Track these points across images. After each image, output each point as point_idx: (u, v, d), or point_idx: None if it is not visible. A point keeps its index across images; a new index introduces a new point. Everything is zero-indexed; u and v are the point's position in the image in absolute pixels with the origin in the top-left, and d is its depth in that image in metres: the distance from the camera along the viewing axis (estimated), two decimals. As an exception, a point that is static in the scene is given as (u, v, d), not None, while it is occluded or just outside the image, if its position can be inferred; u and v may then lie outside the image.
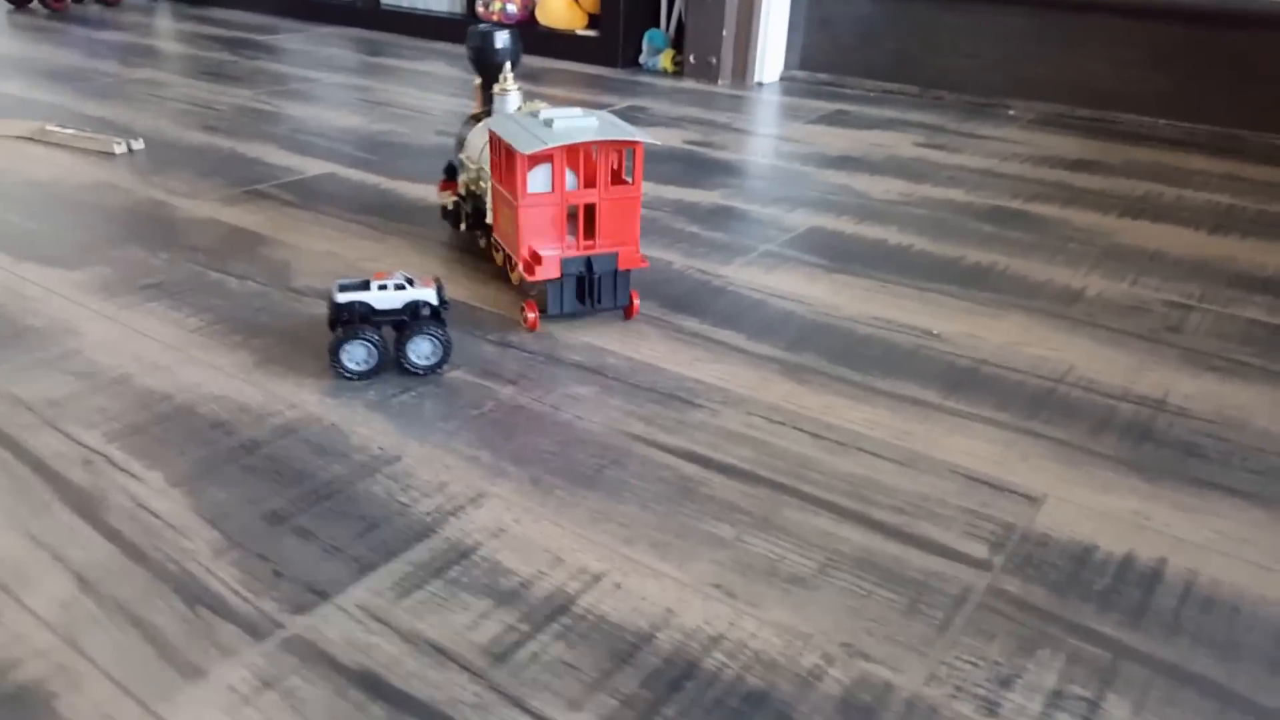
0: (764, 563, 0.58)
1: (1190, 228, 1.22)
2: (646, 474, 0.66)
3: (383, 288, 0.76)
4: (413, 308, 0.76)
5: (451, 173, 1.08)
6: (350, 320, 0.75)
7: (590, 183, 0.86)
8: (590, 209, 0.87)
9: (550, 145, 0.79)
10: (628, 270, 0.89)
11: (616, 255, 0.88)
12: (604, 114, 0.89)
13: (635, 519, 0.62)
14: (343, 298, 0.75)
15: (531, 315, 0.86)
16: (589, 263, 0.87)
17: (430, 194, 1.25)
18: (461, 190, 1.03)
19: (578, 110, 0.88)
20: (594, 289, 0.88)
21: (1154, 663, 0.51)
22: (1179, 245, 1.15)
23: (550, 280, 0.86)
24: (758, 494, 0.65)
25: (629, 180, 0.89)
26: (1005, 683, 0.50)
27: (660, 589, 0.56)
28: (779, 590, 0.56)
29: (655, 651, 0.51)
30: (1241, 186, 1.41)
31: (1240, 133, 1.70)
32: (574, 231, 0.88)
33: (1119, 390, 0.80)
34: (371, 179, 1.30)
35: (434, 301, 0.77)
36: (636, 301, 0.90)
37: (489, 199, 0.94)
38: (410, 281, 0.77)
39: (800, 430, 0.72)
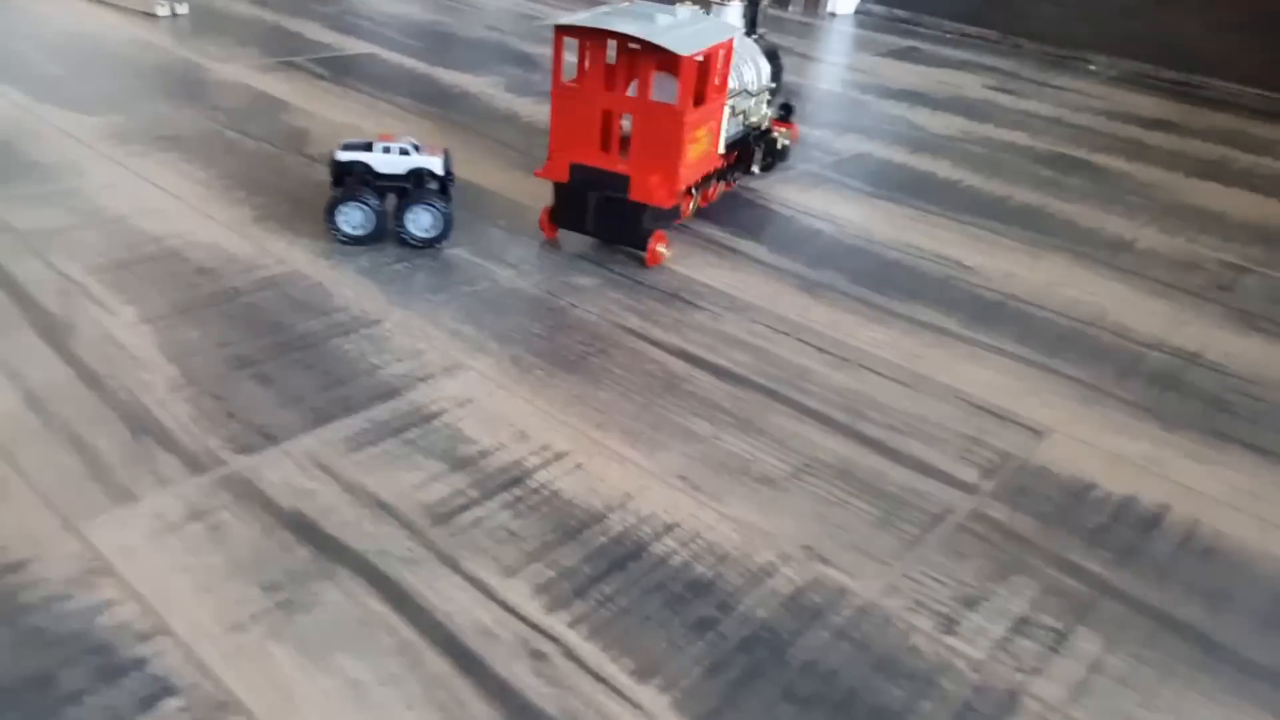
0: (738, 462, 0.55)
1: (1262, 194, 1.15)
2: (633, 366, 0.63)
3: (386, 150, 0.73)
4: (416, 175, 0.73)
5: None
6: (351, 181, 0.73)
7: (621, 87, 0.77)
8: (608, 117, 0.74)
9: (583, 23, 0.70)
10: (644, 205, 0.74)
11: (629, 180, 0.73)
12: (721, 23, 0.77)
13: (611, 405, 0.59)
14: (344, 156, 0.73)
15: (544, 218, 0.78)
16: (598, 178, 0.74)
17: (467, 81, 1.21)
18: None
19: (709, 16, 0.79)
20: (594, 211, 0.75)
21: (1136, 604, 0.48)
22: (1245, 209, 1.08)
23: (557, 183, 0.76)
24: (745, 396, 0.61)
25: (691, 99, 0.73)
26: (970, 603, 0.46)
27: (623, 473, 0.53)
28: (747, 488, 0.53)
29: (604, 531, 0.48)
30: (1326, 158, 1.32)
31: (1334, 106, 1.59)
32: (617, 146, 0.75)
33: (1153, 340, 0.75)
34: (410, 62, 1.27)
35: (439, 171, 0.74)
36: (661, 249, 0.76)
37: None
38: (416, 148, 0.74)
39: (804, 342, 0.69)
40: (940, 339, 0.71)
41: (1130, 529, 0.53)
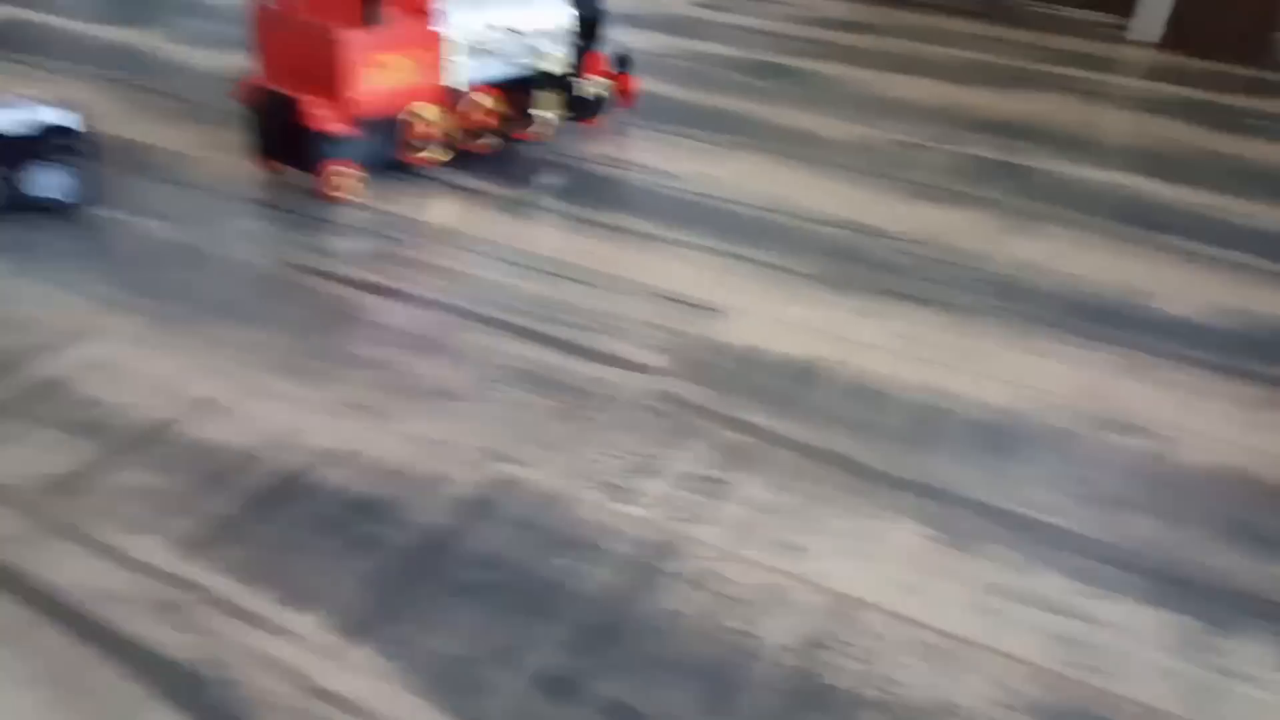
0: (419, 382, 0.53)
1: (946, 81, 1.22)
2: (308, 303, 0.60)
3: (3, 108, 0.65)
4: (43, 134, 0.66)
5: None
6: (-35, 149, 0.65)
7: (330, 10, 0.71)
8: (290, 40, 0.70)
9: None
10: (316, 131, 0.70)
11: (296, 104, 0.70)
12: None
13: (277, 345, 0.55)
14: (-48, 122, 0.64)
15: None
16: (283, 104, 0.71)
17: (130, 36, 1.12)
18: None
19: None
20: (279, 138, 0.72)
21: (794, 444, 0.49)
22: (928, 96, 1.15)
23: (258, 112, 0.73)
24: (433, 318, 0.59)
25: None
26: (639, 470, 0.47)
27: (284, 410, 0.50)
28: (427, 406, 0.51)
29: (255, 471, 0.45)
30: (1000, 47, 1.42)
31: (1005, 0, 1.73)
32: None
33: (832, 218, 0.78)
34: (62, 21, 1.16)
35: (68, 125, 0.67)
36: (340, 179, 0.72)
37: None
38: (44, 105, 0.67)
39: (502, 260, 0.67)
40: (641, 241, 0.71)
41: (794, 381, 0.55)
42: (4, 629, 0.36)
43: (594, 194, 0.79)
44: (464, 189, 0.78)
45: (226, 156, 0.81)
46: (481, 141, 0.83)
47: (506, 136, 0.86)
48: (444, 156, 0.81)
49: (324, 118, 0.70)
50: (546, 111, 0.85)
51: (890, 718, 0.35)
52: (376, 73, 0.71)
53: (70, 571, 0.39)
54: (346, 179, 0.74)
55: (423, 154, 0.78)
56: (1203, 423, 0.53)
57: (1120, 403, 0.55)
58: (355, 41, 0.69)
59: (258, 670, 0.35)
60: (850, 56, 1.31)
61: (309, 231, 0.69)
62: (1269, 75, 1.39)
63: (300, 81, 0.72)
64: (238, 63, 1.07)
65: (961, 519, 0.45)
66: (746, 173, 0.87)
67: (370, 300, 0.61)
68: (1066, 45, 1.45)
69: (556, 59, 0.84)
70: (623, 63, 0.93)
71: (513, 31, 0.81)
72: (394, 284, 0.63)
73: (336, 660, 0.36)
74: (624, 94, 0.93)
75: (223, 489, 0.44)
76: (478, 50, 0.79)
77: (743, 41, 1.36)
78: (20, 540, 0.40)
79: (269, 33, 0.72)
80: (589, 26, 0.87)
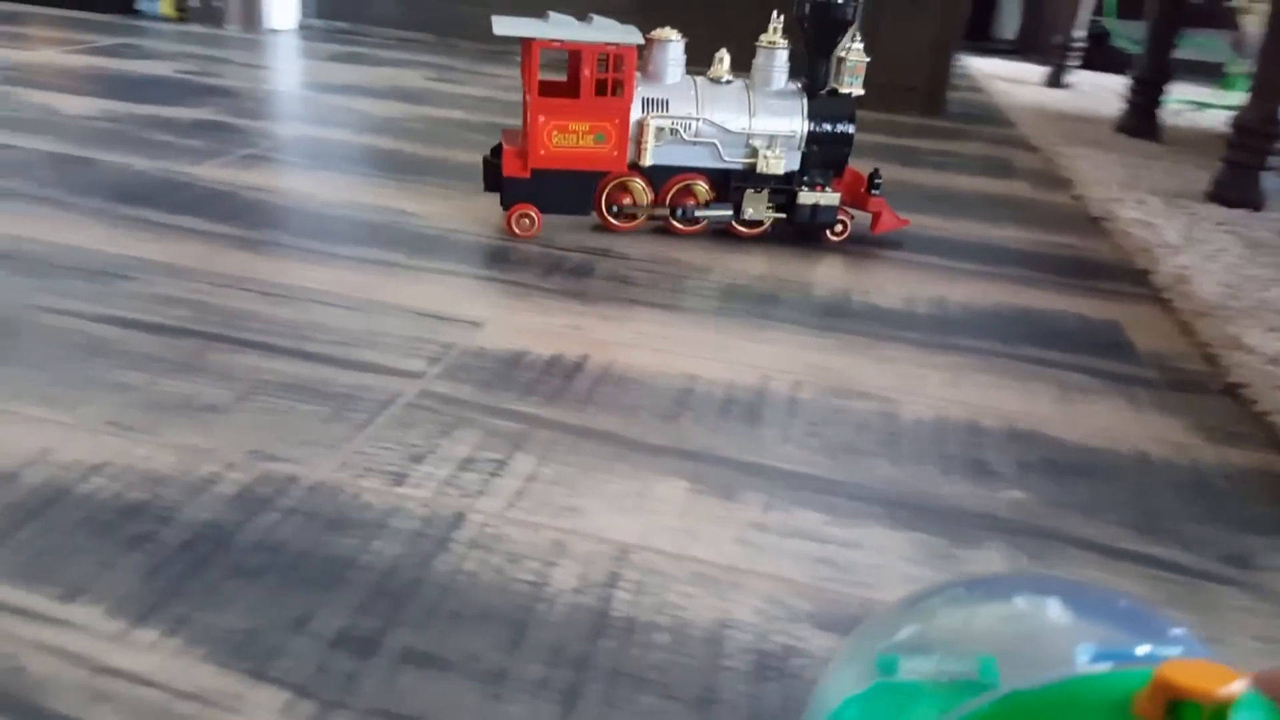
0: (176, 399, 0.53)
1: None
2: (50, 339, 0.58)
3: None
4: None
5: None
6: None
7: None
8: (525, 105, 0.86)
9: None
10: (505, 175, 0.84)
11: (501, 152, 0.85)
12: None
13: (23, 378, 0.54)
14: None
15: None
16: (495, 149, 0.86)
17: None
18: None
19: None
20: (485, 175, 0.86)
21: (563, 427, 0.54)
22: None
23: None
24: (183, 344, 0.59)
25: None
26: (417, 458, 0.49)
27: (39, 433, 0.48)
28: (187, 419, 0.51)
29: (18, 487, 0.44)
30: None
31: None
32: None
33: (571, 245, 0.84)
34: None
35: None
36: (514, 223, 0.84)
37: None
38: None
39: (246, 290, 0.68)
40: (388, 270, 0.74)
41: (557, 377, 0.59)
42: None
43: (329, 232, 0.81)
44: (175, 228, 0.78)
45: None
46: (679, 221, 0.87)
47: (697, 221, 0.87)
48: (630, 224, 0.87)
49: (512, 165, 0.82)
50: (755, 211, 0.87)
51: (678, 638, 0.39)
52: (564, 136, 0.82)
53: None
54: (525, 219, 0.84)
55: (615, 219, 0.87)
56: (921, 386, 0.62)
57: (846, 375, 0.63)
58: (546, 107, 0.80)
59: (43, 656, 0.35)
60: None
61: (41, 277, 0.67)
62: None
63: (524, 139, 0.85)
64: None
65: (720, 474, 0.51)
66: (484, 211, 0.91)
67: (115, 332, 0.60)
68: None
69: (777, 162, 0.85)
70: (871, 184, 0.90)
71: (726, 130, 0.84)
72: (138, 316, 0.62)
73: (121, 643, 0.36)
74: (874, 217, 0.90)
75: (-23, 504, 0.43)
76: (685, 139, 0.84)
77: (474, 107, 1.42)
78: None
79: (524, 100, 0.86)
80: (829, 140, 0.86)
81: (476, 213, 0.90)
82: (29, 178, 0.88)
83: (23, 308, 0.62)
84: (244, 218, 0.83)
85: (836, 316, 0.73)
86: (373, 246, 0.79)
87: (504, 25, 0.79)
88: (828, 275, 0.82)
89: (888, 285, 0.80)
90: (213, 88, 1.36)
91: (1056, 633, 0.22)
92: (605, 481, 0.49)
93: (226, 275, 0.70)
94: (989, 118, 1.72)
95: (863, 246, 0.90)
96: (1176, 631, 0.22)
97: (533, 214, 0.85)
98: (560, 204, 0.85)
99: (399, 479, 0.47)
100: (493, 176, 0.86)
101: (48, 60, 1.45)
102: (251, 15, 1.96)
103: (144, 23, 1.89)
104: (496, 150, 0.87)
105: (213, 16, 1.96)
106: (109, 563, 0.40)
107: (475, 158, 1.10)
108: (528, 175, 0.83)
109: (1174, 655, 0.20)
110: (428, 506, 0.45)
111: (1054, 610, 0.23)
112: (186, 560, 0.40)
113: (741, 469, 0.51)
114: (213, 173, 0.95)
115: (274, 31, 1.96)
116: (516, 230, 0.85)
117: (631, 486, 0.49)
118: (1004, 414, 0.60)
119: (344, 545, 0.42)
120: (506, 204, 0.85)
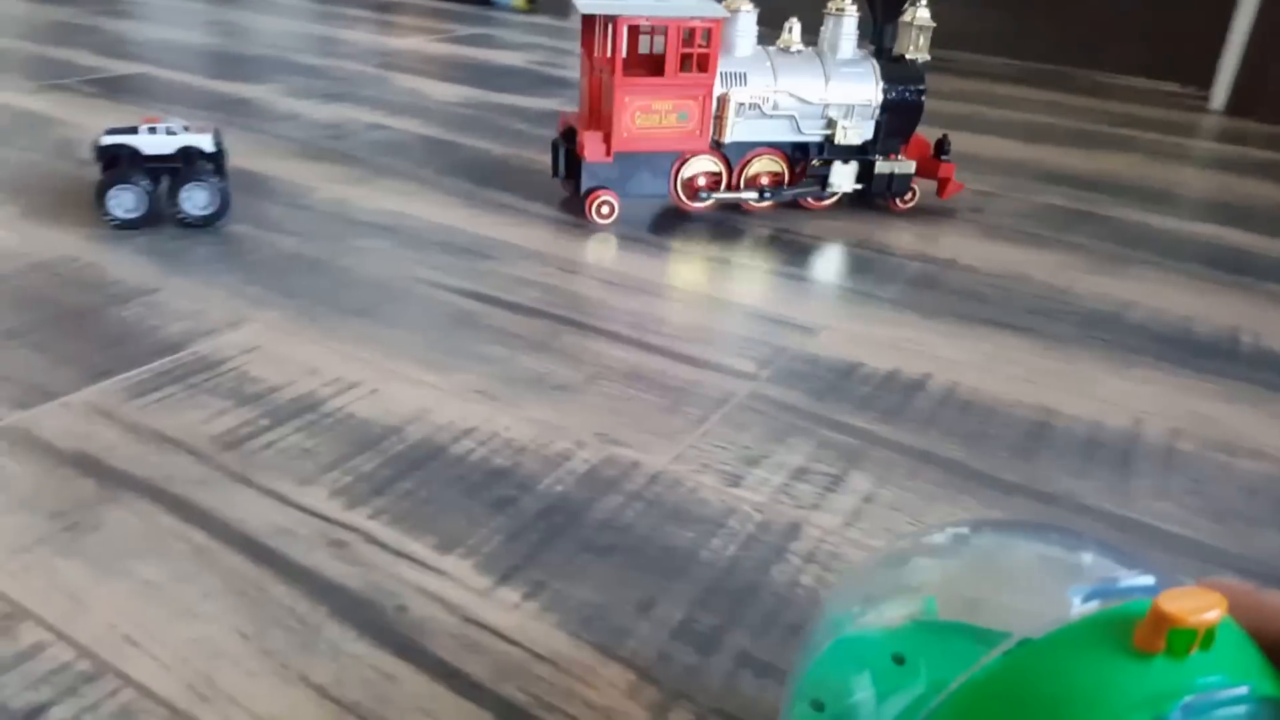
0: (532, 375, 0.57)
1: (1009, 139, 1.26)
2: (426, 308, 0.64)
3: (152, 131, 0.72)
4: (187, 154, 0.72)
5: None
6: (120, 165, 0.71)
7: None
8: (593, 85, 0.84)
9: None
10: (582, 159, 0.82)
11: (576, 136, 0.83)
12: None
13: (405, 340, 0.60)
14: (108, 140, 0.71)
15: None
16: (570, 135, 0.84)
17: (246, 90, 1.19)
18: None
19: None
20: (564, 162, 0.84)
21: (902, 448, 0.52)
22: (994, 150, 1.19)
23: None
24: (538, 324, 0.63)
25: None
26: (752, 461, 0.50)
27: (419, 394, 0.54)
28: (542, 395, 0.55)
29: (401, 440, 0.49)
30: (1061, 110, 1.46)
31: (1064, 69, 1.78)
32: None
33: (913, 253, 0.81)
34: (186, 77, 1.24)
35: (209, 148, 0.73)
36: (595, 209, 0.82)
37: None
38: (186, 128, 0.73)
39: (593, 278, 0.72)
40: (724, 268, 0.75)
41: (895, 393, 0.58)
42: (189, 553, 0.40)
43: (676, 229, 0.83)
44: (527, 213, 0.83)
45: (340, 186, 0.87)
46: (758, 200, 0.87)
47: (780, 196, 0.88)
48: (710, 204, 0.86)
49: (595, 149, 0.80)
50: (843, 183, 0.87)
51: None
52: (648, 116, 0.80)
53: (245, 511, 0.43)
54: (605, 205, 0.82)
55: (696, 202, 0.85)
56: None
57: (1235, 429, 0.56)
58: (630, 87, 0.78)
59: (422, 599, 0.39)
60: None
61: (417, 249, 0.74)
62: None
63: (593, 121, 0.83)
64: (344, 112, 1.14)
65: (1081, 525, 0.47)
66: (825, 214, 0.90)
67: (479, 307, 0.65)
68: (1134, 110, 1.48)
69: (855, 132, 0.85)
70: (940, 150, 0.91)
71: (804, 101, 0.84)
72: (500, 294, 0.67)
73: (488, 599, 0.39)
74: (942, 182, 0.91)
75: (375, 454, 0.48)
76: (764, 113, 0.84)
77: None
78: (198, 483, 0.44)
79: (586, 79, 0.84)
80: (902, 108, 0.87)
81: (816, 216, 0.89)
82: (405, 157, 0.98)
83: (406, 278, 0.69)
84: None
85: (1223, 359, 0.65)
86: (714, 244, 0.80)
87: (588, 4, 0.76)
88: (1190, 307, 0.74)
89: (1272, 326, 0.71)
90: (561, 79, 1.44)
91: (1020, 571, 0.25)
92: (950, 514, 0.47)
93: (575, 262, 0.74)
94: None
95: (1231, 275, 0.81)
96: (1137, 558, 0.24)
97: (613, 199, 0.82)
98: (639, 187, 0.83)
99: (735, 480, 0.48)
100: (567, 162, 0.84)
101: (415, 47, 1.60)
102: (599, 10, 2.07)
103: (497, 13, 2.04)
104: (567, 135, 0.84)
105: (559, 6, 2.08)
106: (478, 521, 0.44)
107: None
108: (610, 159, 0.80)
109: (1147, 584, 0.22)
110: (763, 512, 0.46)
111: (1010, 549, 0.26)
112: (543, 529, 0.43)
113: (1106, 520, 0.47)
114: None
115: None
116: (597, 218, 0.82)
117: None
118: None
119: (684, 538, 0.44)
120: (586, 190, 0.81)
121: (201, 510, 0.43)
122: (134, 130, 0.71)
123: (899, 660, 0.24)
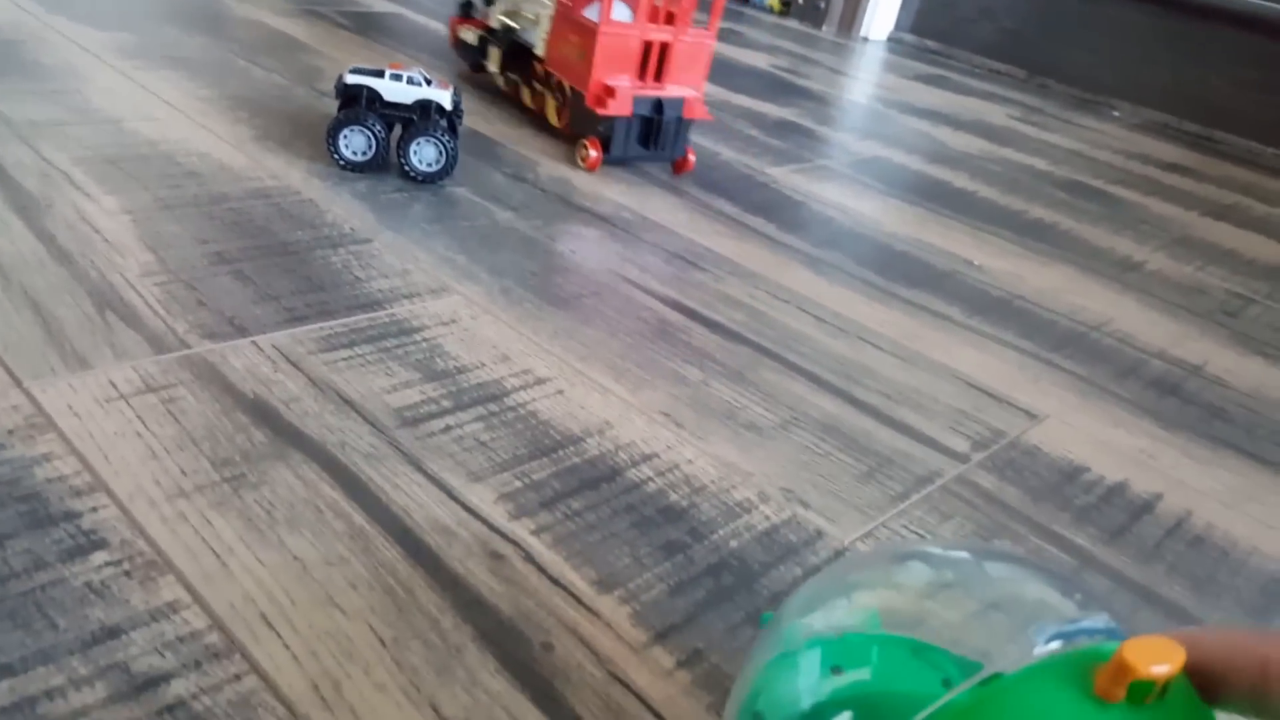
0: (724, 406, 0.53)
1: (1274, 239, 1.13)
2: (627, 310, 0.61)
3: (396, 78, 0.71)
4: (424, 107, 0.72)
5: (468, 9, 1.02)
6: (357, 106, 0.71)
7: (668, 20, 0.82)
8: (665, 48, 0.83)
9: None
10: (690, 120, 0.85)
11: (683, 101, 0.84)
12: None
13: (599, 342, 0.57)
14: (352, 79, 0.71)
15: (594, 154, 0.82)
16: (658, 105, 0.83)
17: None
18: (494, 23, 0.97)
19: None
20: (658, 134, 0.83)
21: (1122, 579, 0.45)
22: (1257, 250, 1.07)
23: (619, 117, 0.82)
24: (738, 351, 0.59)
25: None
26: (951, 560, 0.44)
27: (604, 403, 0.51)
28: (731, 431, 0.51)
29: (579, 452, 0.46)
30: (1341, 215, 1.31)
31: (1352, 170, 1.59)
32: (642, 72, 0.84)
33: (1155, 349, 0.73)
34: (437, 25, 1.26)
35: (447, 105, 0.72)
36: (692, 157, 0.87)
37: (541, 30, 0.88)
38: (428, 80, 0.72)
39: (803, 310, 0.67)
40: (941, 324, 0.69)
41: (1120, 511, 0.51)
42: (345, 533, 0.38)
43: (891, 267, 0.78)
44: (746, 226, 0.79)
45: (565, 166, 0.85)
46: None
47: None
48: None
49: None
50: None
51: None
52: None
53: (410, 498, 0.41)
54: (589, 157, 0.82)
55: None
56: None
57: None
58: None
59: (571, 640, 0.35)
60: (1170, 195, 1.24)
61: (630, 246, 0.71)
62: None
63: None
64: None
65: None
66: (1062, 283, 0.83)
67: (680, 319, 0.61)
68: None
69: None
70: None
71: None
72: (704, 310, 0.63)
73: (641, 656, 0.36)
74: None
75: (551, 461, 0.45)
76: None
77: (1058, 159, 1.31)
78: (371, 456, 0.43)
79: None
80: None
81: (1048, 280, 0.82)
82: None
83: (613, 275, 0.66)
84: (811, 232, 0.82)
85: None
86: (930, 293, 0.74)
87: None
88: None
89: None
90: (802, 89, 1.39)
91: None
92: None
93: (787, 289, 0.70)
94: None
95: None
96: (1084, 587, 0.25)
97: None
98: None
99: (930, 577, 0.43)
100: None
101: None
102: (850, 20, 2.00)
103: (751, 11, 2.01)
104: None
105: (813, 16, 2.02)
106: (643, 563, 0.40)
107: (1056, 215, 1.01)
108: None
109: (1107, 626, 0.22)
110: (957, 622, 0.40)
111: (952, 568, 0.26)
112: (710, 588, 0.39)
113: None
114: (789, 178, 0.96)
115: (865, 40, 1.98)
116: None
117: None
118: None
119: (863, 634, 0.39)
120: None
121: (367, 488, 0.41)
122: (379, 74, 0.71)
123: (837, 672, 0.24)
